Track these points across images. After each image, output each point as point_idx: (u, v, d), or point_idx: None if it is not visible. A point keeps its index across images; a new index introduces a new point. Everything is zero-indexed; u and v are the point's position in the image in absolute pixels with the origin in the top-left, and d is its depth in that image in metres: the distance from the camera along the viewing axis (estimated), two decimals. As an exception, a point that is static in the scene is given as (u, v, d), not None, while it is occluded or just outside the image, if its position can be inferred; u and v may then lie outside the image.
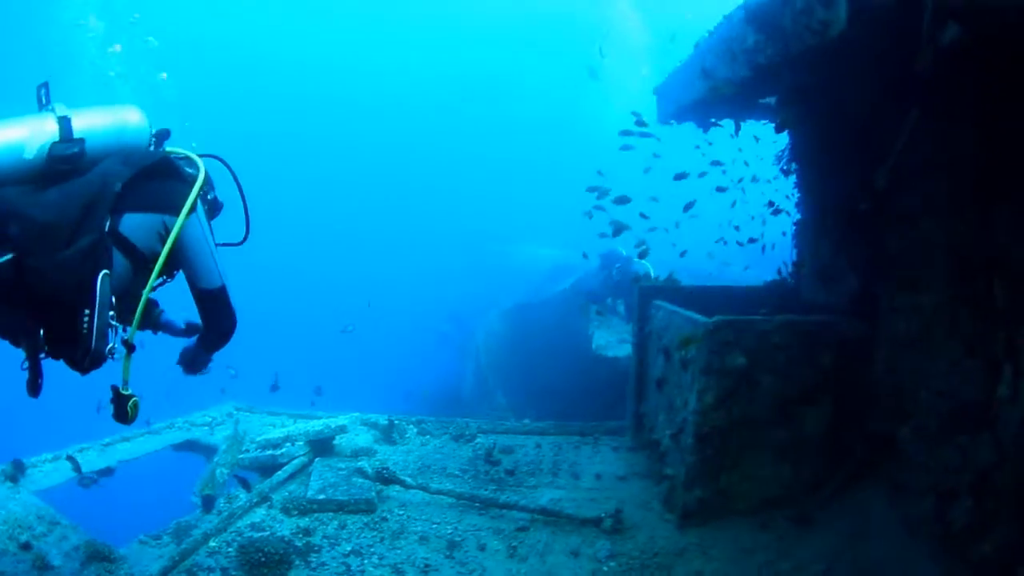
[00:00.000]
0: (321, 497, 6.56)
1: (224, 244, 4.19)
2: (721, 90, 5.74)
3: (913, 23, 3.27)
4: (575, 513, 6.33)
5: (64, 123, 3.58)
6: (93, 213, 3.43)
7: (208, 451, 8.44)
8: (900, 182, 5.33)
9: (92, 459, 7.86)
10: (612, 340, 12.46)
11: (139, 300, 3.72)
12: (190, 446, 8.82)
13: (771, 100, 6.94)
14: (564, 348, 13.28)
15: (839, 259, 6.57)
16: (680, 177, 8.74)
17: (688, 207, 9.19)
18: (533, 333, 15.08)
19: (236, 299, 4.00)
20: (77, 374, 3.54)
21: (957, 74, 3.87)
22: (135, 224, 3.67)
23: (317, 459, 7.48)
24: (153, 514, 7.05)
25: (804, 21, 4.02)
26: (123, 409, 3.65)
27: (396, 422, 8.62)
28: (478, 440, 8.36)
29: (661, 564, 5.61)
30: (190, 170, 4.01)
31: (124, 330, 3.70)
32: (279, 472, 7.19)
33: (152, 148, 3.95)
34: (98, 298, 3.35)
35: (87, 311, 3.33)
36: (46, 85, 3.73)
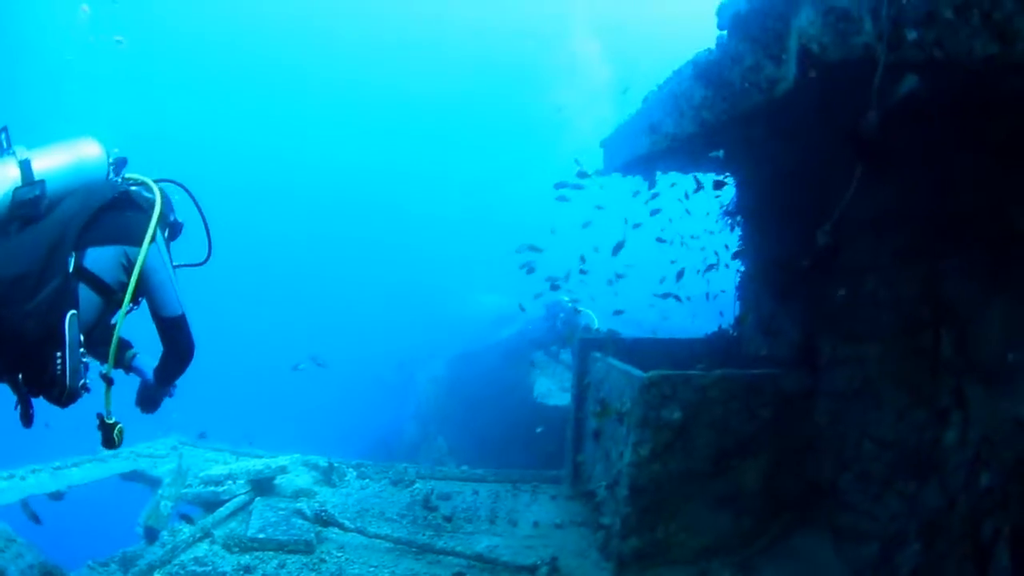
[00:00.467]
0: (261, 536, 6.53)
1: (185, 265, 4.23)
2: (663, 144, 5.83)
3: (863, 81, 3.36)
4: (511, 560, 6.31)
5: (25, 167, 3.58)
6: (55, 256, 3.44)
7: (153, 483, 8.43)
8: (845, 237, 5.44)
9: (44, 481, 7.85)
10: (554, 388, 12.46)
11: (111, 330, 3.79)
12: (135, 476, 8.83)
13: (720, 153, 7.05)
14: (507, 395, 13.23)
15: (781, 311, 6.67)
16: (618, 249, 8.81)
17: (616, 278, 9.27)
18: (477, 380, 14.98)
19: (193, 327, 4.05)
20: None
21: (905, 130, 3.96)
22: (98, 257, 3.67)
23: (258, 498, 7.43)
24: (98, 540, 6.96)
25: (752, 78, 4.11)
26: (110, 436, 3.79)
27: (336, 465, 8.56)
28: (416, 485, 8.29)
29: (597, 612, 5.60)
30: (148, 195, 4.00)
31: (101, 364, 3.80)
32: (221, 509, 7.16)
33: (112, 175, 3.96)
34: (67, 339, 3.38)
35: (59, 353, 3.37)
36: (5, 129, 3.71)
